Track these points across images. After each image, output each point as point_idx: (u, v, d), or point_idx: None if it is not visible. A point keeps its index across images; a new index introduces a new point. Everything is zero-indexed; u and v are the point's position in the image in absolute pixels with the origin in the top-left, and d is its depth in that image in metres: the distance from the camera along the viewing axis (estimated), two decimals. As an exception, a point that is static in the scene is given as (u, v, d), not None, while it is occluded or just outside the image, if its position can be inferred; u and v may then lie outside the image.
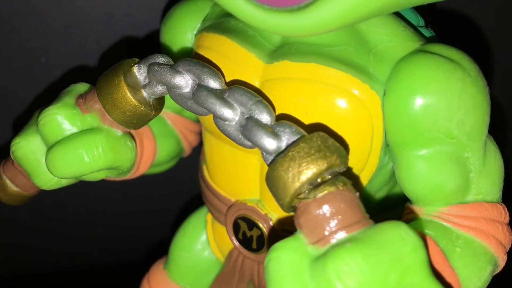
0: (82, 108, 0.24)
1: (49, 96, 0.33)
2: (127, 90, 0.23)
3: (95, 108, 0.24)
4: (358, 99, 0.21)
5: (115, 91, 0.23)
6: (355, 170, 0.22)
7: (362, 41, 0.21)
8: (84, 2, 0.31)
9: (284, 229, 0.24)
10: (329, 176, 0.19)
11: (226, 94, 0.21)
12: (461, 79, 0.20)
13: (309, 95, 0.21)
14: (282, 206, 0.19)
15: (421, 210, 0.22)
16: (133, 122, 0.24)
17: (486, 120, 0.21)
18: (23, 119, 0.33)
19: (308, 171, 0.18)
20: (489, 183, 0.22)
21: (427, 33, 0.23)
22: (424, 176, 0.21)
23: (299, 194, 0.19)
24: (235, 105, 0.21)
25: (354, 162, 0.22)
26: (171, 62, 0.23)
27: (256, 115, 0.20)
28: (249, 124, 0.20)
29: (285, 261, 0.18)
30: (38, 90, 0.34)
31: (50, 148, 0.23)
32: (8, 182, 0.27)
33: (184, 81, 0.22)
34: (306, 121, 0.22)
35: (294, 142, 0.19)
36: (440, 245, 0.20)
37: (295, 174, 0.18)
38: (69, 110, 0.24)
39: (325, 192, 0.18)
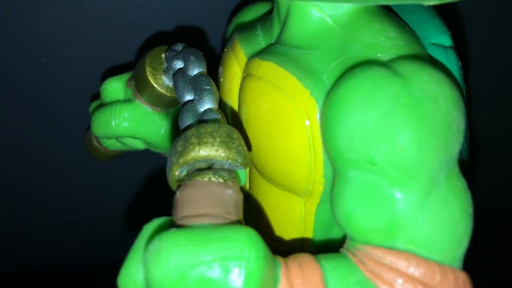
0: (128, 83, 0.28)
1: (49, 96, 0.33)
2: (147, 73, 0.26)
3: (131, 85, 0.27)
4: (294, 103, 0.20)
5: (140, 72, 0.26)
6: (301, 185, 0.21)
7: (337, 48, 0.20)
8: (84, 2, 0.31)
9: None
10: (217, 167, 0.19)
11: (191, 80, 0.23)
12: (391, 97, 0.17)
13: (260, 93, 0.21)
14: (168, 175, 0.20)
15: (346, 243, 0.20)
16: (155, 101, 0.27)
17: (435, 156, 0.18)
18: (23, 119, 0.34)
19: (191, 153, 0.19)
20: (427, 235, 0.18)
21: (446, 41, 0.22)
22: (342, 203, 0.19)
23: (184, 176, 0.20)
24: (191, 88, 0.23)
25: (297, 173, 0.21)
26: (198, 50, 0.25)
27: (195, 101, 0.22)
28: (185, 107, 0.22)
29: (148, 229, 0.19)
30: (38, 90, 0.33)
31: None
32: (94, 141, 0.31)
33: (178, 65, 0.24)
34: (255, 118, 0.21)
35: (204, 125, 0.20)
36: (328, 281, 0.18)
37: (183, 150, 0.19)
38: (119, 83, 0.28)
39: (196, 178, 0.19)
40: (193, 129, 0.19)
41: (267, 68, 0.21)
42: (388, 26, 0.20)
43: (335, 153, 0.19)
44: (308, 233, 0.22)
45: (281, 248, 0.23)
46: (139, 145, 0.29)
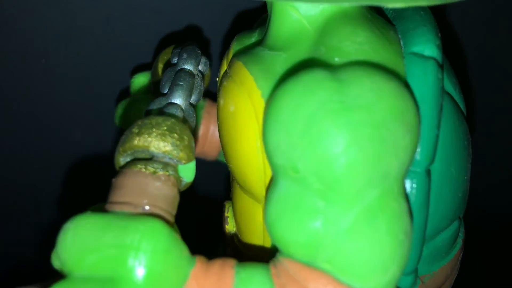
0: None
1: (49, 96, 0.33)
2: (158, 68, 0.28)
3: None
4: (247, 103, 0.20)
5: (154, 67, 0.28)
6: (256, 190, 0.21)
7: (305, 51, 0.20)
8: (84, 3, 0.31)
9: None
10: (157, 159, 0.20)
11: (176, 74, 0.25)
12: (320, 102, 0.16)
13: (227, 92, 0.22)
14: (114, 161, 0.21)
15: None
16: None
17: (360, 170, 0.16)
18: (23, 120, 0.34)
19: (129, 142, 0.20)
20: (347, 257, 0.16)
21: (429, 51, 0.20)
22: (267, 211, 0.18)
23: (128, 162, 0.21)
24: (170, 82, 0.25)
25: (252, 177, 0.21)
26: (198, 47, 0.26)
27: (167, 94, 0.24)
28: (155, 99, 0.24)
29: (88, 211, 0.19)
30: (37, 91, 0.34)
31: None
32: None
33: (175, 61, 0.26)
34: (222, 116, 0.22)
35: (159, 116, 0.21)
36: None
37: (125, 138, 0.21)
38: (144, 77, 0.30)
39: (130, 167, 0.20)
40: (140, 120, 0.20)
41: (236, 67, 0.21)
42: (361, 31, 0.20)
43: (268, 157, 0.18)
44: (267, 242, 0.22)
45: (250, 255, 0.23)
46: None
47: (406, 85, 0.19)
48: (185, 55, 0.26)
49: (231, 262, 0.19)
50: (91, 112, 0.34)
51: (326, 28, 0.21)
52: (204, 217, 0.36)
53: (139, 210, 0.19)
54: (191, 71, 0.25)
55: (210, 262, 0.19)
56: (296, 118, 0.17)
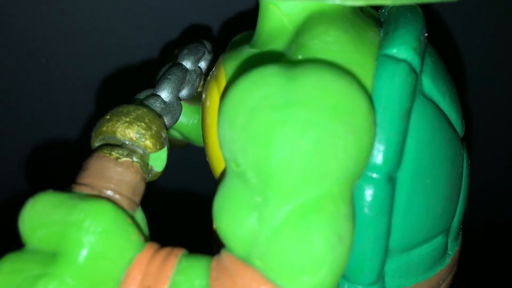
0: None
1: (49, 96, 0.34)
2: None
3: None
4: (216, 97, 0.21)
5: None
6: None
7: (280, 48, 0.20)
8: (84, 3, 0.32)
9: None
10: (126, 146, 0.21)
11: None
12: (262, 96, 0.16)
13: (206, 87, 0.22)
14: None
15: None
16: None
17: (293, 168, 0.16)
18: (23, 120, 0.35)
19: (100, 127, 0.21)
20: (277, 255, 0.16)
21: (403, 53, 0.20)
22: (214, 202, 0.18)
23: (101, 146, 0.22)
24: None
25: (219, 169, 0.21)
26: (205, 46, 0.27)
27: (156, 86, 0.24)
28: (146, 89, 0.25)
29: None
30: (38, 90, 0.34)
31: None
32: None
33: None
34: (203, 111, 0.22)
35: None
36: (175, 277, 0.18)
37: (98, 124, 0.22)
38: None
39: (97, 151, 0.21)
40: (115, 108, 0.22)
41: (217, 64, 0.22)
42: (333, 30, 0.19)
43: (221, 150, 0.18)
44: None
45: None
46: (176, 135, 0.30)
47: (364, 87, 0.19)
48: (185, 51, 0.27)
49: (178, 252, 0.19)
50: (91, 112, 0.35)
51: (302, 27, 0.21)
52: (199, 214, 0.36)
53: (96, 193, 0.20)
54: (184, 66, 0.26)
55: (160, 249, 0.20)
56: (238, 111, 0.17)
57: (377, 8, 0.24)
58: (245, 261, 0.17)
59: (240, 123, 0.17)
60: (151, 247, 0.20)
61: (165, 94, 0.24)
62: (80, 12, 0.32)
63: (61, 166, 0.36)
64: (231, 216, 0.17)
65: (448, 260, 0.24)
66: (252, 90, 0.17)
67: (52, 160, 0.37)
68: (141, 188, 0.21)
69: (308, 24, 0.20)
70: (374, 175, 0.19)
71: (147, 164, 0.22)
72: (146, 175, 0.22)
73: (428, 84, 0.21)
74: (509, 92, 0.38)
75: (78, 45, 0.33)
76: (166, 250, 0.20)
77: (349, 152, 0.17)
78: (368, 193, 0.19)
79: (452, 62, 0.36)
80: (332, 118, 0.16)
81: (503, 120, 0.39)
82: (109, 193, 0.20)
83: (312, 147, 0.16)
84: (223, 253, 0.18)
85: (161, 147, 0.22)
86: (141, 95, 0.24)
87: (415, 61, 0.20)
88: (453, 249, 0.24)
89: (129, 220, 0.19)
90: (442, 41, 0.36)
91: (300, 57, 0.19)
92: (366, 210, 0.19)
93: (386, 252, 0.20)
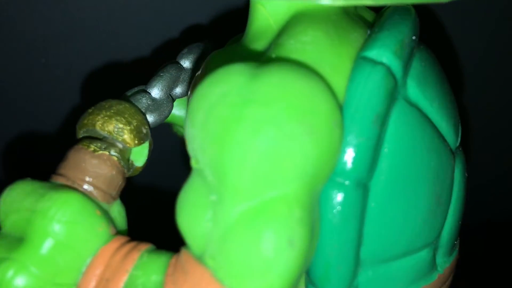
0: None
1: (49, 97, 0.34)
2: None
3: None
4: None
5: None
6: None
7: (263, 47, 0.20)
8: (84, 2, 0.32)
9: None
10: (107, 140, 0.22)
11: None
12: (221, 93, 0.16)
13: (192, 85, 0.23)
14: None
15: None
16: None
17: (245, 168, 0.16)
18: (23, 120, 0.35)
19: (81, 120, 0.22)
20: (227, 255, 0.16)
21: (381, 56, 0.19)
22: (177, 199, 0.18)
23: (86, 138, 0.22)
24: None
25: None
26: (207, 45, 0.28)
27: (148, 84, 0.25)
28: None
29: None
30: (38, 91, 0.34)
31: None
32: None
33: None
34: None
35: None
36: (133, 271, 0.18)
37: (81, 117, 0.22)
38: None
39: (79, 143, 0.21)
40: (100, 102, 0.22)
41: (204, 63, 0.22)
42: (311, 30, 0.19)
43: None
44: None
45: None
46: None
47: (336, 88, 0.18)
48: (185, 50, 0.27)
49: (143, 247, 0.20)
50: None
51: (285, 27, 0.20)
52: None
53: (70, 183, 0.20)
54: (181, 64, 0.26)
55: (126, 243, 0.20)
56: (198, 108, 0.17)
57: (378, 9, 0.23)
58: (200, 259, 0.17)
59: (199, 120, 0.16)
60: (117, 240, 0.20)
61: (155, 91, 0.24)
62: (81, 12, 0.32)
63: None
64: (189, 213, 0.17)
65: (435, 276, 0.23)
66: (213, 87, 0.17)
67: (52, 160, 0.37)
68: (117, 181, 0.22)
69: (290, 24, 0.20)
70: (341, 181, 0.18)
71: (128, 158, 0.22)
72: (126, 170, 0.22)
73: (414, 90, 0.20)
74: (510, 91, 0.37)
75: (78, 45, 0.33)
76: (131, 245, 0.20)
77: (307, 154, 0.16)
78: (335, 199, 0.18)
79: (452, 62, 0.36)
80: (289, 118, 0.16)
81: (503, 120, 0.38)
82: (83, 184, 0.21)
83: (266, 147, 0.16)
84: (182, 250, 0.18)
85: (140, 142, 0.22)
86: (131, 91, 0.25)
87: (394, 64, 0.19)
88: (443, 265, 0.23)
89: (97, 212, 0.20)
90: (441, 42, 0.35)
91: (273, 56, 0.19)
92: (332, 216, 0.18)
93: (356, 262, 0.19)
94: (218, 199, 0.16)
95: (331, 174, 0.18)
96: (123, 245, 0.20)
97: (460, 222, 0.24)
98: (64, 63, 0.33)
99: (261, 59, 0.19)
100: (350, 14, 0.22)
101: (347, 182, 0.18)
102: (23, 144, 0.35)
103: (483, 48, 0.36)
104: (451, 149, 0.22)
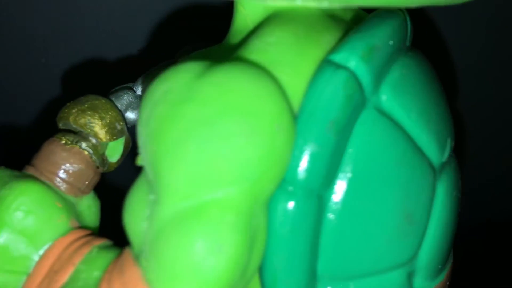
0: None
1: (48, 97, 0.34)
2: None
3: None
4: None
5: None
6: None
7: (234, 47, 0.20)
8: (84, 2, 0.32)
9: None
10: (82, 134, 0.22)
11: None
12: (164, 91, 0.16)
13: None
14: None
15: None
16: None
17: (179, 168, 0.15)
18: (23, 120, 0.35)
19: (59, 114, 0.22)
20: (156, 260, 0.16)
21: (344, 60, 0.18)
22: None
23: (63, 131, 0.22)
24: None
25: None
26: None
27: (136, 81, 0.25)
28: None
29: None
30: (37, 91, 0.34)
31: None
32: None
33: None
34: None
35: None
36: (79, 266, 0.18)
37: (64, 109, 0.23)
38: None
39: (54, 135, 0.22)
40: (80, 97, 0.23)
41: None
42: (278, 31, 0.18)
43: None
44: None
45: None
46: None
47: (290, 91, 0.17)
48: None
49: (97, 242, 0.20)
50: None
51: (256, 27, 0.20)
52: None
53: (38, 174, 0.21)
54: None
55: (82, 238, 0.20)
56: (145, 105, 0.16)
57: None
58: (137, 259, 0.17)
59: (144, 117, 0.16)
60: (75, 233, 0.20)
61: (140, 88, 0.25)
62: (81, 12, 0.32)
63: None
64: (131, 211, 0.17)
65: (412, 301, 0.21)
66: (159, 85, 0.16)
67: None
68: (87, 175, 0.22)
69: (261, 25, 0.20)
70: (292, 189, 0.17)
71: (101, 154, 0.22)
72: (98, 164, 0.22)
73: (388, 99, 0.19)
74: (509, 90, 0.36)
75: (78, 45, 0.33)
76: (86, 239, 0.20)
77: (244, 157, 0.15)
78: (283, 208, 0.17)
79: (452, 62, 0.35)
80: (226, 118, 0.15)
81: (503, 119, 0.38)
82: (50, 176, 0.21)
83: (199, 147, 0.15)
84: (126, 248, 0.18)
85: (113, 138, 0.22)
86: (117, 88, 0.25)
87: (361, 70, 0.18)
88: (425, 288, 0.21)
89: (58, 204, 0.20)
90: (441, 42, 0.34)
91: (234, 55, 0.18)
92: (279, 226, 0.17)
93: (311, 276, 0.18)
94: (155, 199, 0.16)
95: (279, 180, 0.17)
96: (79, 238, 0.20)
97: (448, 245, 0.22)
98: (64, 63, 0.33)
99: (221, 57, 0.19)
100: (336, 17, 0.21)
101: (295, 191, 0.17)
102: (23, 144, 0.35)
103: (486, 43, 0.35)
104: (431, 164, 0.20)
